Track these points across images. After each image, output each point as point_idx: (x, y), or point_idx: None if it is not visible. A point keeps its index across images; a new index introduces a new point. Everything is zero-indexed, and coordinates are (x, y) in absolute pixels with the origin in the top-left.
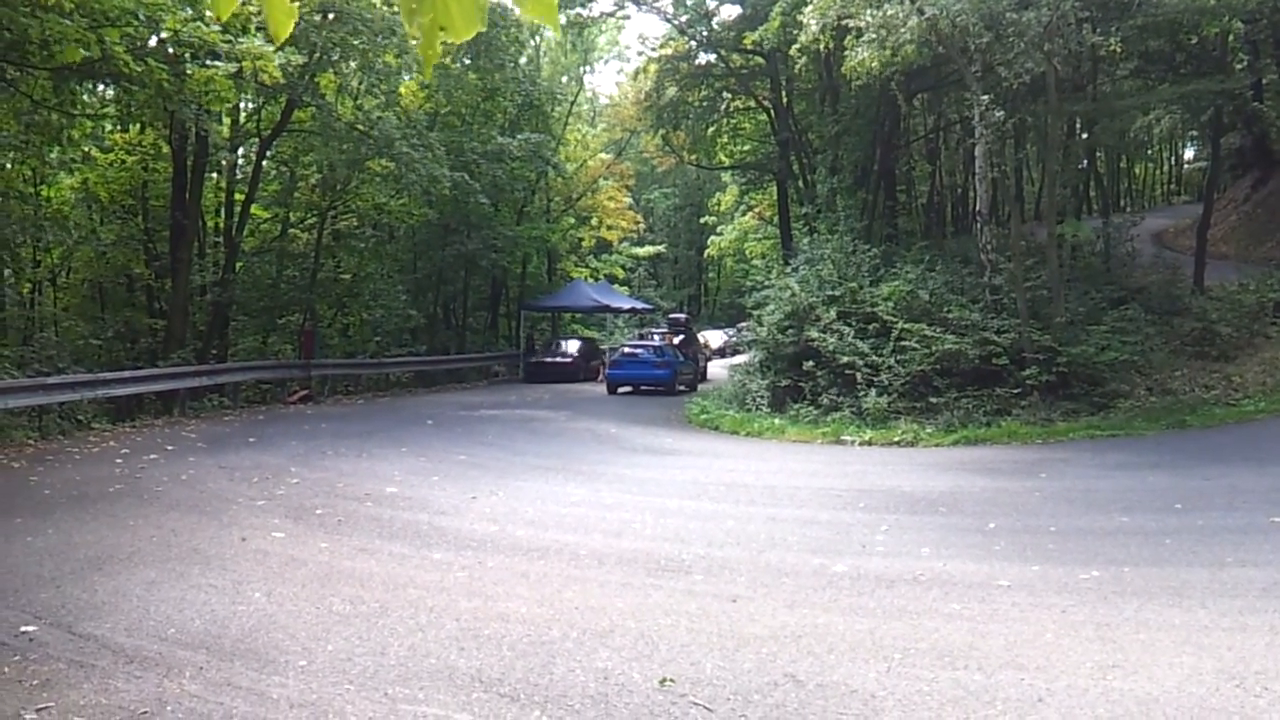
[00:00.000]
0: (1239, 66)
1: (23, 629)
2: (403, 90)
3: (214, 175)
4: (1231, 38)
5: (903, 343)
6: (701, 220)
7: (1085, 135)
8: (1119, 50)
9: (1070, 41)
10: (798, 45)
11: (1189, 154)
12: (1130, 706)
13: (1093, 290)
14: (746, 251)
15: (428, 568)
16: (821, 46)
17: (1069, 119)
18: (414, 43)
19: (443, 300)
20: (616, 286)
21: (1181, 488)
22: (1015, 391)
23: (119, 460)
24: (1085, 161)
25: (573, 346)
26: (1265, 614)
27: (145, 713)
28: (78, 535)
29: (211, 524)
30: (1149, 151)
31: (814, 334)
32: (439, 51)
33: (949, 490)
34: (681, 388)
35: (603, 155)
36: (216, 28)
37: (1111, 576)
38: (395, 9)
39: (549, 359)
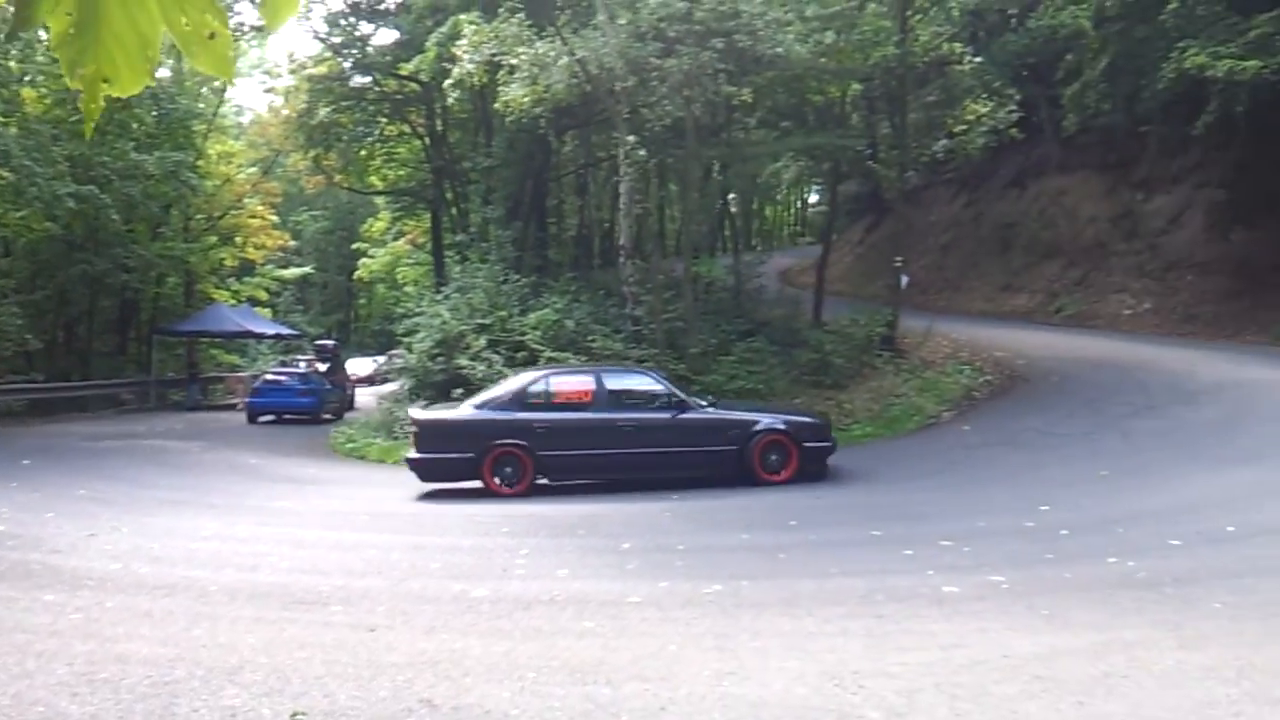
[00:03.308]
0: (856, 122)
1: None
2: (25, 95)
3: None
4: (850, 96)
5: None
6: (353, 246)
7: (720, 177)
8: (751, 101)
9: (708, 90)
10: (451, 80)
11: (813, 198)
12: (743, 710)
13: (724, 323)
14: (398, 278)
15: (38, 610)
16: (475, 80)
17: (706, 162)
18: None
19: (65, 323)
20: (260, 311)
21: (794, 506)
22: None
23: None
24: (720, 202)
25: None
26: (863, 619)
27: None
28: None
29: None
30: (778, 195)
31: (464, 362)
32: (101, 105)
33: (588, 513)
34: (328, 416)
35: (249, 172)
36: None
37: (731, 590)
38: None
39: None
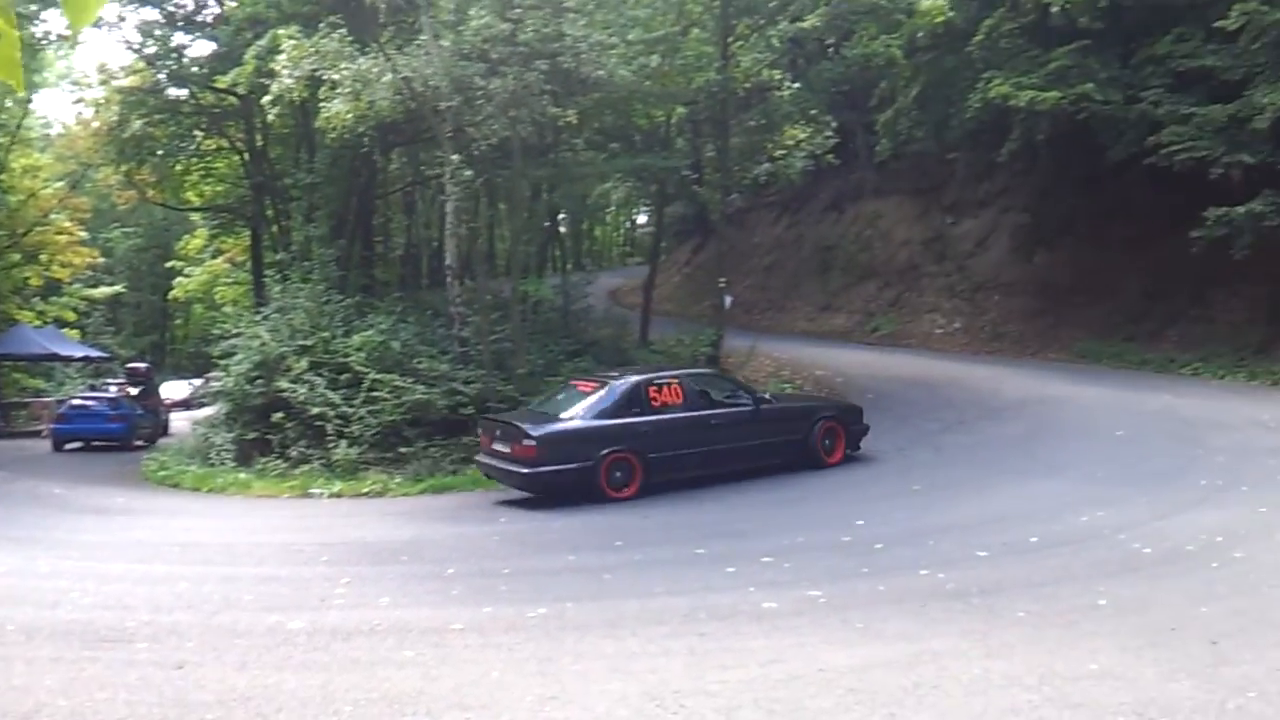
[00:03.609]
0: (682, 145)
1: None
2: None
3: None
4: (675, 120)
5: (374, 393)
6: (168, 264)
7: (549, 197)
8: (577, 122)
9: (534, 110)
10: (270, 96)
11: (642, 219)
12: None
13: (552, 343)
14: (216, 298)
15: None
16: (295, 96)
17: (534, 182)
18: None
19: None
20: (68, 332)
21: (623, 525)
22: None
23: None
24: (549, 222)
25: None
26: (685, 638)
27: None
28: None
29: None
30: (607, 216)
31: (284, 384)
32: None
33: (412, 539)
34: (140, 443)
35: (56, 186)
36: None
37: (555, 613)
38: None
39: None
